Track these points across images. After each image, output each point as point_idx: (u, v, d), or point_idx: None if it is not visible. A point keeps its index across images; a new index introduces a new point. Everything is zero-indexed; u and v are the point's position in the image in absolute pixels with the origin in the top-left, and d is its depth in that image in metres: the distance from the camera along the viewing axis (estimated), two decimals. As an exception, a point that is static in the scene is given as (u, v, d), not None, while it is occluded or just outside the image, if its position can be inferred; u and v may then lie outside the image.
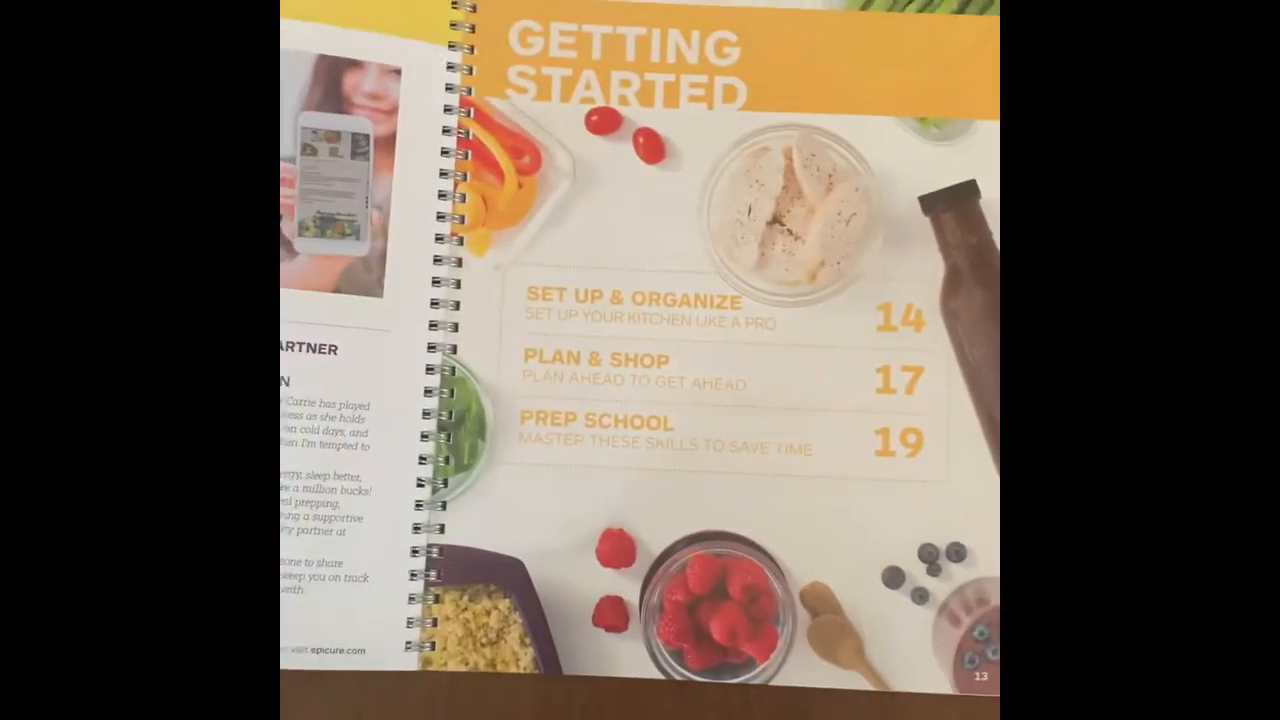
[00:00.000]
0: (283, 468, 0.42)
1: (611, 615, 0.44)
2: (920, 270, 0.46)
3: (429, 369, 0.44)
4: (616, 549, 0.44)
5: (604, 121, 0.46)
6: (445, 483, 0.44)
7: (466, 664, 0.43)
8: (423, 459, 0.44)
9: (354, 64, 0.46)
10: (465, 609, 0.44)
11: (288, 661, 0.42)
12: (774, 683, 0.44)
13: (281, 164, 0.44)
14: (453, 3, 0.46)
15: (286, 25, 0.44)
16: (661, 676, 0.43)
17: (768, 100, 0.47)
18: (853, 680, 0.44)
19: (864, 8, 0.47)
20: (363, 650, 0.43)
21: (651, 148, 0.46)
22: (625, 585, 0.44)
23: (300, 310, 0.44)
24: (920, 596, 0.44)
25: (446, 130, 0.46)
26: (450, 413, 0.44)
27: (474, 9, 0.47)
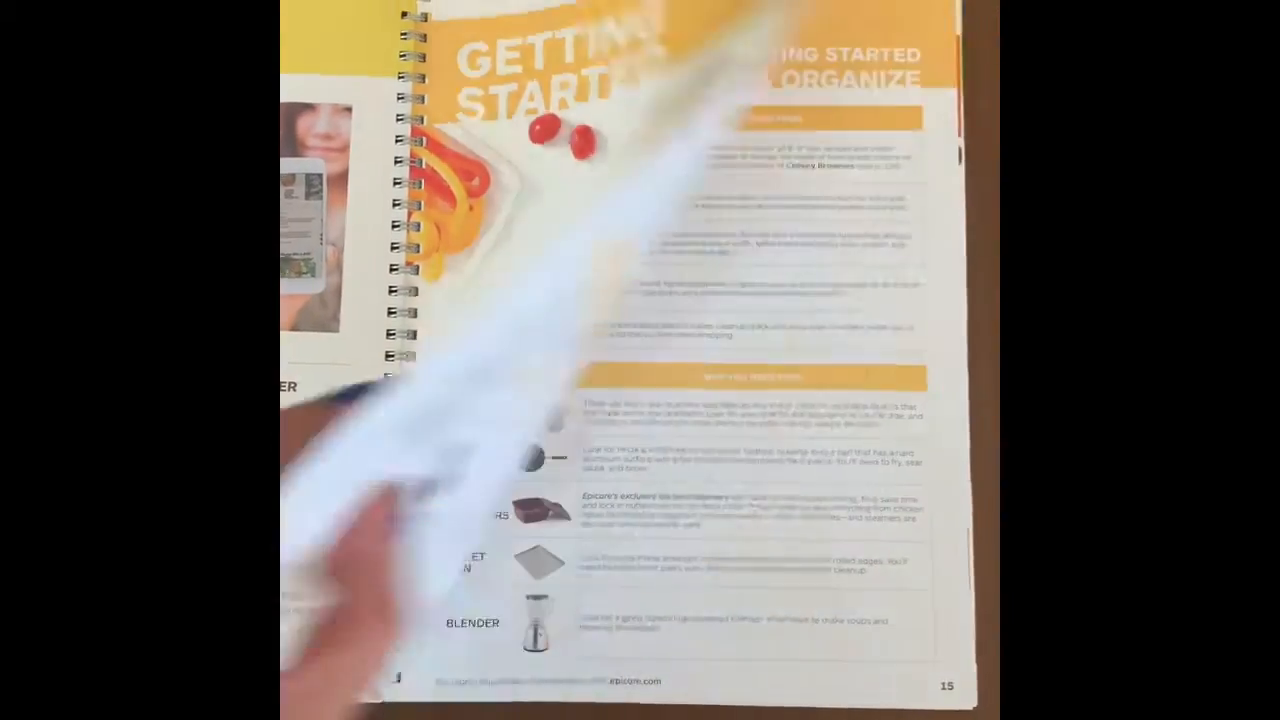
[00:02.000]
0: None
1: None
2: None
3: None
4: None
5: (545, 129, 0.45)
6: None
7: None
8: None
9: (306, 107, 0.46)
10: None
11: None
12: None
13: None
14: (402, 34, 0.47)
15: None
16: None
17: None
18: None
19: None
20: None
21: (584, 144, 0.45)
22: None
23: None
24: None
25: (399, 160, 0.46)
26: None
27: (424, 38, 0.47)
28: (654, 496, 0.43)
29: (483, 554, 0.43)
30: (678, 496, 0.43)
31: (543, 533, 0.43)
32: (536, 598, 0.42)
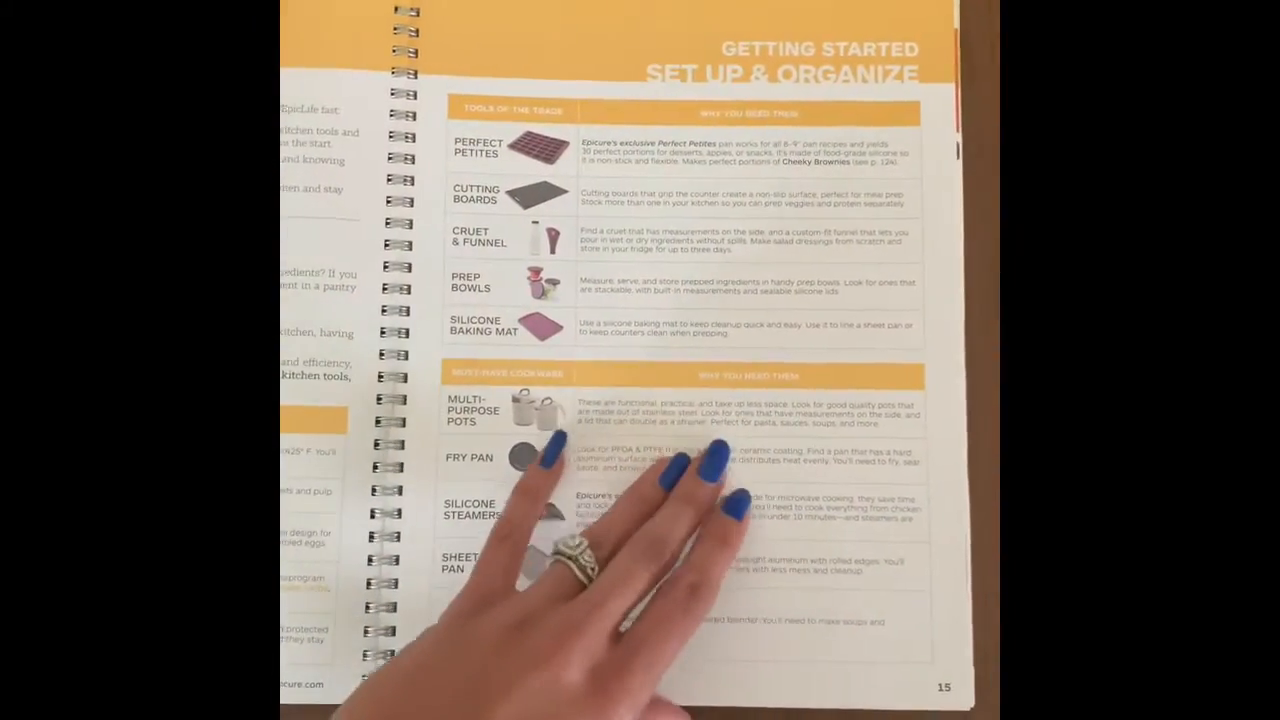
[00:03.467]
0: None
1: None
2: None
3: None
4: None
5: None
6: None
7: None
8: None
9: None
10: (421, 641, 0.43)
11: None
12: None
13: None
14: (394, 28, 0.46)
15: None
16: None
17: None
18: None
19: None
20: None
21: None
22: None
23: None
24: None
25: (391, 157, 0.45)
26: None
27: (416, 33, 0.46)
28: (648, 496, 0.43)
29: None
30: (672, 496, 0.43)
31: (536, 533, 0.42)
32: (530, 598, 0.42)
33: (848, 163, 0.45)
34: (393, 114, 0.46)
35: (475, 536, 0.42)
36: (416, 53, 0.46)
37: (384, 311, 0.44)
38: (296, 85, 0.45)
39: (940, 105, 0.45)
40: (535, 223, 0.45)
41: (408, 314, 0.44)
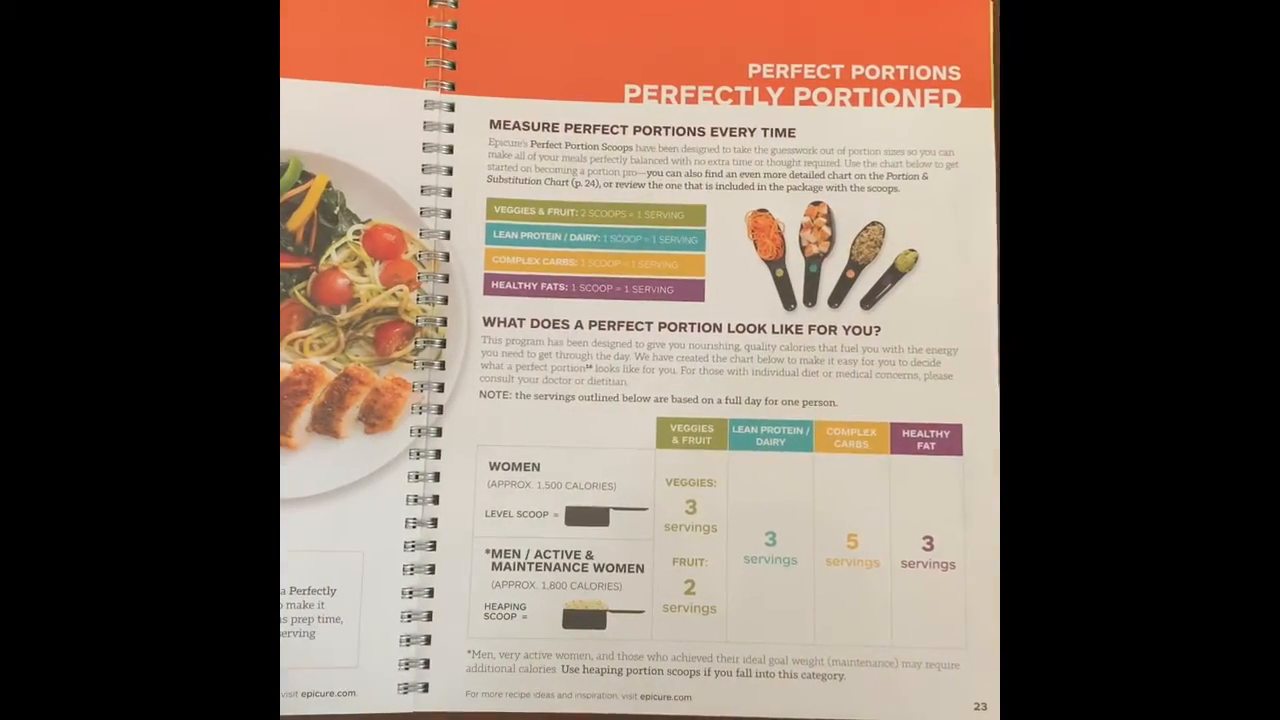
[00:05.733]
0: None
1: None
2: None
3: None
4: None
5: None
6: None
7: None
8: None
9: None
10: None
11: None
12: None
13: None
14: (428, 39, 0.46)
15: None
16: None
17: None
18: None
19: None
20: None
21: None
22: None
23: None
24: None
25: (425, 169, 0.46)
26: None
27: (454, 45, 0.47)
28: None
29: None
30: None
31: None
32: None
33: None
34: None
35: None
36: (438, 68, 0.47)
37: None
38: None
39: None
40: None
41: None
